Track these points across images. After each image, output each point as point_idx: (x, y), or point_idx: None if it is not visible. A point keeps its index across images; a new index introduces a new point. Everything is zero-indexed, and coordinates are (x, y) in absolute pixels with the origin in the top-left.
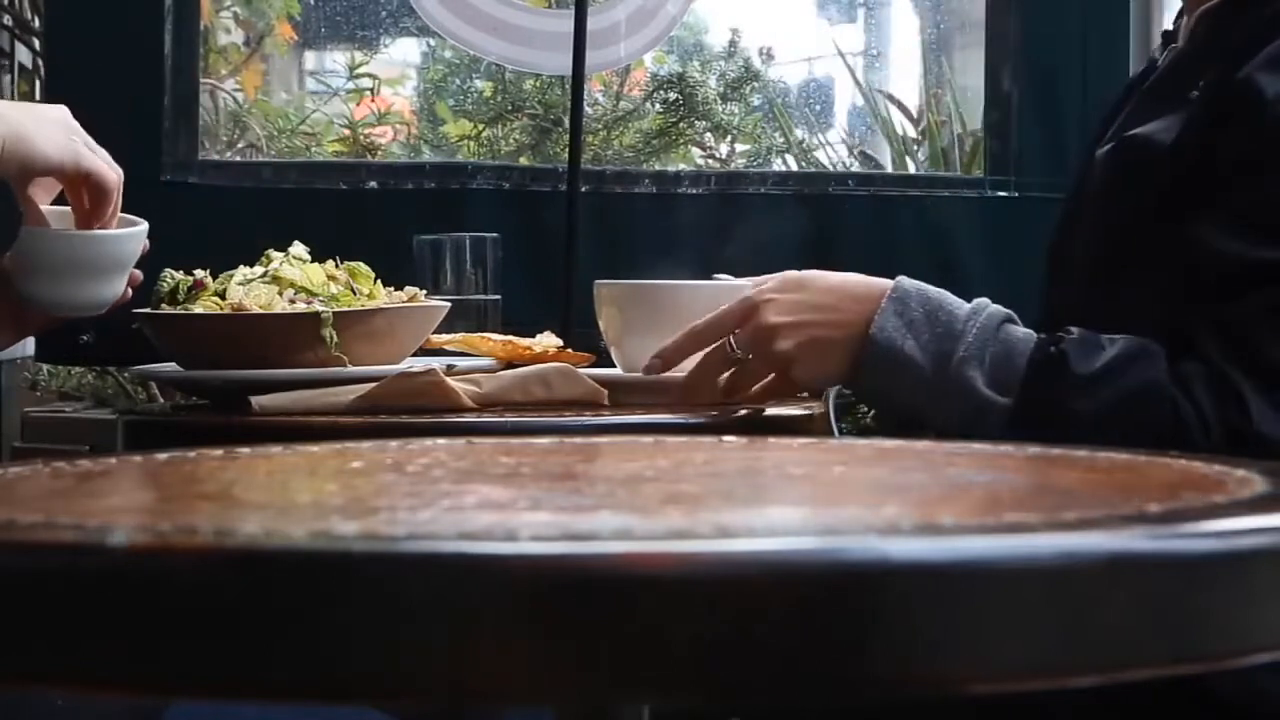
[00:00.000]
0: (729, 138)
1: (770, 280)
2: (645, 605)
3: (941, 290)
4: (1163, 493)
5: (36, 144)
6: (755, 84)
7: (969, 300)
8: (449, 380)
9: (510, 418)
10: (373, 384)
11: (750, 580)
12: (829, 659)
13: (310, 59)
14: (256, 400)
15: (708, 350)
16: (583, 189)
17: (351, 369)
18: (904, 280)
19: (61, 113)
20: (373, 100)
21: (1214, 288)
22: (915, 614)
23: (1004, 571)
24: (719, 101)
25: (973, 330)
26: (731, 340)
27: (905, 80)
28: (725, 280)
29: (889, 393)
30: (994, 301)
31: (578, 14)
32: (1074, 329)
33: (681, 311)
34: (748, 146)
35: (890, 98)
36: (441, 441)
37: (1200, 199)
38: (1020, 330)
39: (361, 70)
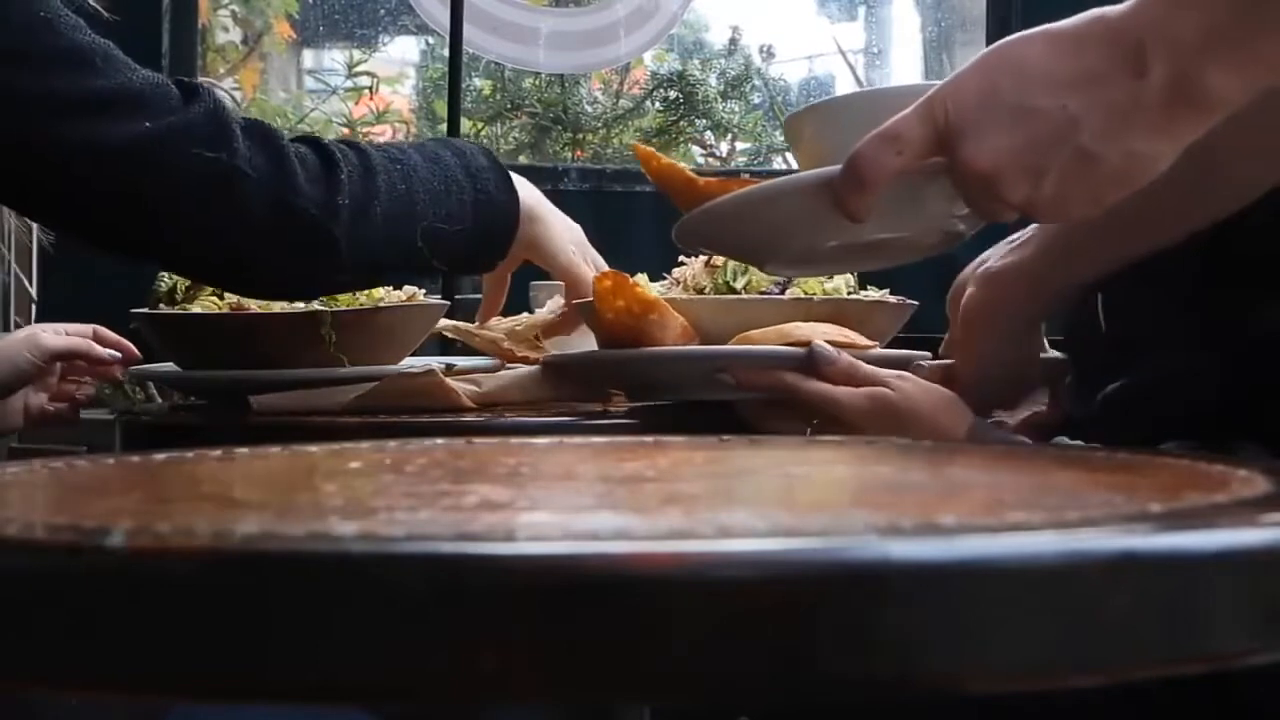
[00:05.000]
0: (729, 136)
1: (864, 399)
2: (645, 605)
3: (1016, 436)
4: (1165, 492)
5: (553, 239)
6: (755, 82)
7: None
8: (448, 380)
9: (510, 418)
10: (372, 384)
11: (750, 580)
12: (829, 659)
13: (308, 57)
14: (255, 400)
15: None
16: (583, 187)
17: (351, 369)
18: (981, 422)
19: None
20: (371, 98)
21: (1242, 352)
22: (916, 614)
23: (1005, 572)
24: (719, 99)
25: None
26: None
27: (906, 77)
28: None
29: None
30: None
31: None
32: (1166, 447)
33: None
34: (748, 144)
35: None
36: (441, 441)
37: (1225, 261)
38: None
39: (360, 69)
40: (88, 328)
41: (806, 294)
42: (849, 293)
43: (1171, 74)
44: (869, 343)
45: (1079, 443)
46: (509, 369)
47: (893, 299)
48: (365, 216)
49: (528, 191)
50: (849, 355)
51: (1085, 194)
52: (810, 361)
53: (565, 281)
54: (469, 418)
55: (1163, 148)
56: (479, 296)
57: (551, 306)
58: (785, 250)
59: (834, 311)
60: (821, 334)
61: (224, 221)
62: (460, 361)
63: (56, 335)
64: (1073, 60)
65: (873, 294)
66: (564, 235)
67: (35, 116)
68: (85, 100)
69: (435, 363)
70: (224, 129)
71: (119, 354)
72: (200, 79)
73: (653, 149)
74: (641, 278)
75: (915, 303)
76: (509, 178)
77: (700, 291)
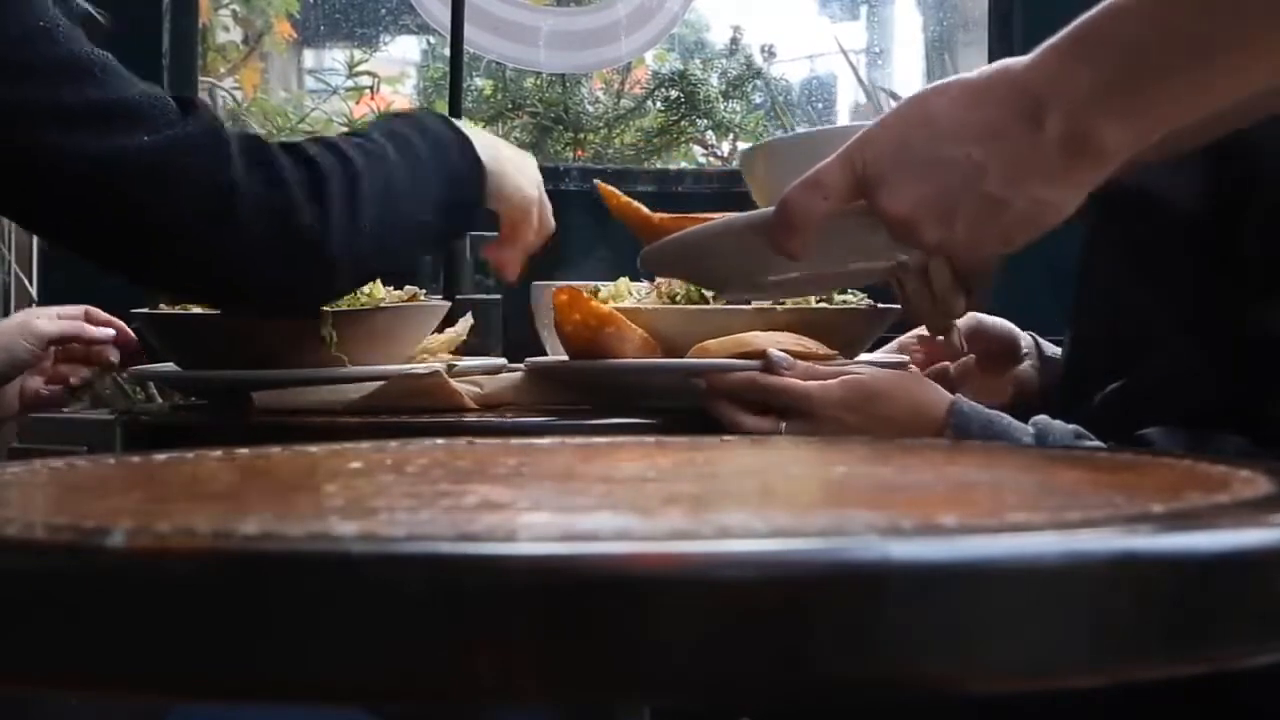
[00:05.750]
0: (731, 136)
1: (836, 386)
2: (646, 605)
3: (998, 413)
4: (1166, 493)
5: (505, 187)
6: (757, 81)
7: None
8: (451, 381)
9: (510, 418)
10: (375, 382)
11: (751, 580)
12: (829, 659)
13: (309, 57)
14: (258, 397)
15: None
16: (584, 187)
17: (351, 369)
18: (960, 403)
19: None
20: (372, 98)
21: (1243, 355)
22: (917, 614)
23: (1006, 572)
24: (720, 99)
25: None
26: (783, 430)
27: (908, 78)
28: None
29: None
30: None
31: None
32: (1150, 433)
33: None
34: (749, 144)
35: (893, 95)
36: (441, 442)
37: (1226, 266)
38: (1095, 445)
39: (361, 68)
40: (80, 309)
41: (773, 304)
42: (816, 301)
43: (1066, 126)
44: (829, 352)
45: (1059, 423)
46: (510, 370)
47: (863, 305)
48: (355, 228)
49: (484, 143)
50: (806, 363)
51: (995, 236)
52: (768, 370)
53: (505, 224)
54: (470, 418)
55: (1064, 194)
56: (479, 297)
57: (460, 329)
58: (736, 281)
59: (799, 320)
60: (777, 343)
61: (219, 236)
62: (462, 362)
63: (50, 320)
64: (977, 113)
65: (852, 300)
66: (517, 179)
67: (35, 127)
68: (85, 111)
69: (437, 364)
70: (220, 145)
71: (112, 331)
72: (200, 79)
73: (613, 188)
74: (623, 281)
75: (894, 307)
76: (469, 144)
77: (673, 299)
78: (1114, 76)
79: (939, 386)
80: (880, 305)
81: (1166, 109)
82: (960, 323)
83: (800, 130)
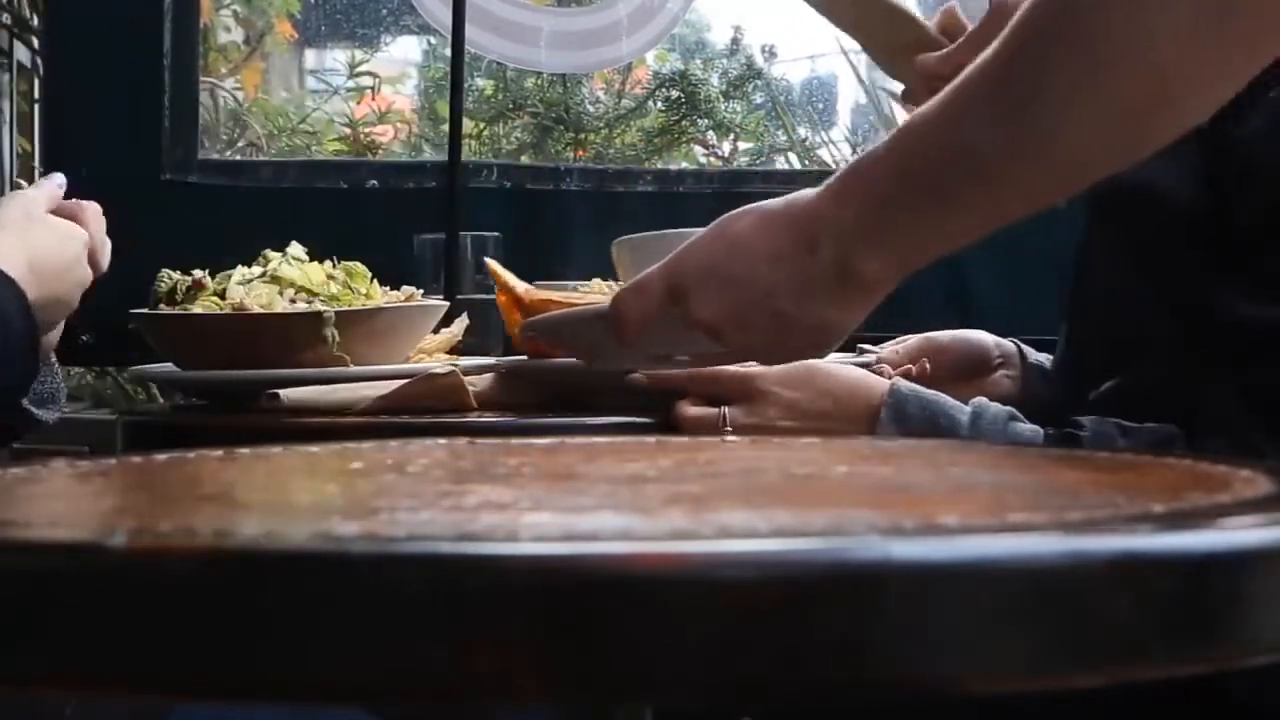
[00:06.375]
0: (731, 136)
1: (775, 370)
2: (646, 605)
3: (937, 393)
4: (1167, 493)
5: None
6: (757, 82)
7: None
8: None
9: (510, 418)
10: (392, 382)
11: (752, 580)
12: (830, 659)
13: (310, 57)
14: (283, 393)
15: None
16: (584, 187)
17: (352, 368)
18: (899, 384)
19: (69, 257)
20: (373, 99)
21: (1240, 353)
22: (918, 614)
23: (1006, 571)
24: (721, 99)
25: (978, 427)
26: (725, 414)
27: None
28: None
29: None
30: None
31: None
32: (1085, 420)
33: None
34: (750, 145)
35: (894, 96)
36: (442, 441)
37: (1223, 263)
38: (1027, 428)
39: (362, 69)
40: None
41: None
42: None
43: (835, 256)
44: None
45: (995, 404)
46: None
47: None
48: None
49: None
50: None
51: (789, 347)
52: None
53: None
54: (471, 417)
55: (842, 315)
56: (478, 297)
57: (456, 329)
58: (602, 356)
59: None
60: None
61: None
62: (463, 362)
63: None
64: (769, 239)
65: None
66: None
67: None
68: None
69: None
70: None
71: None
72: (201, 80)
73: (498, 265)
74: (596, 281)
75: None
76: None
77: None
78: (868, 215)
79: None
80: None
81: (917, 244)
82: (910, 343)
83: (654, 233)
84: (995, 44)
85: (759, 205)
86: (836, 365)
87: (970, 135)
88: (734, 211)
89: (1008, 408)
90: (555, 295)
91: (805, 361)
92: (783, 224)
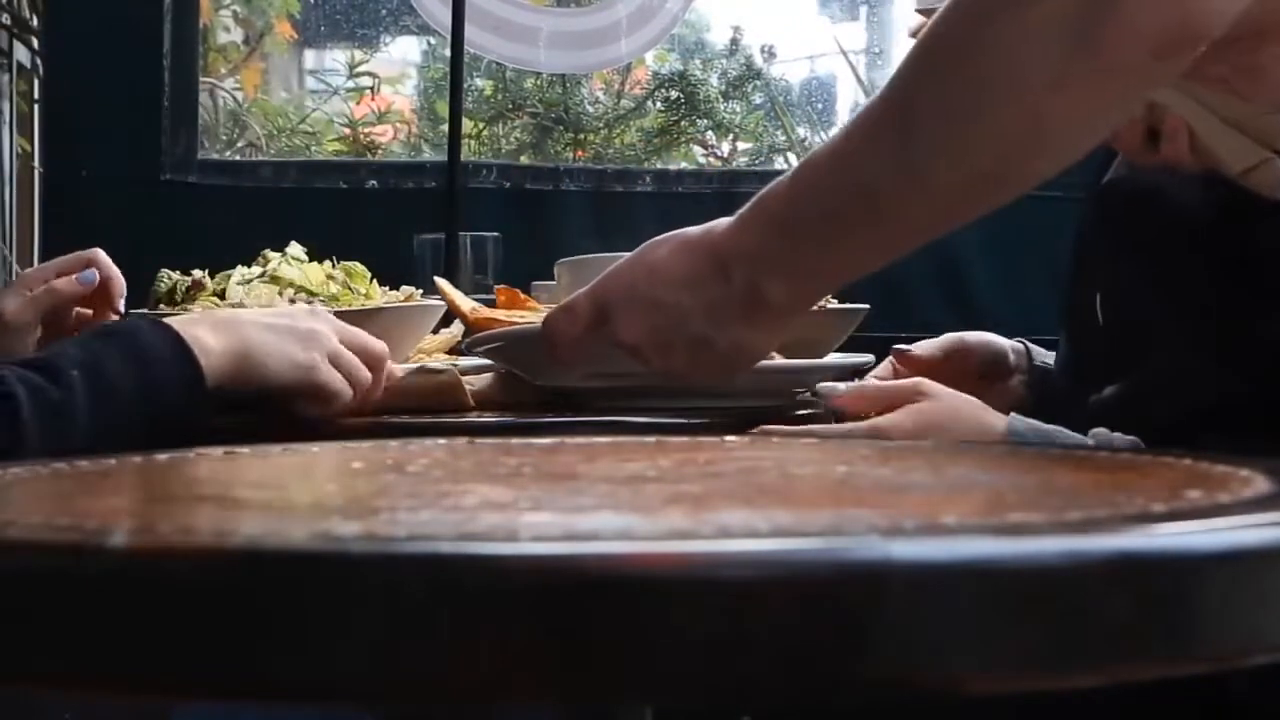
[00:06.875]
0: (731, 136)
1: (903, 418)
2: (646, 605)
3: (1054, 426)
4: (1166, 492)
5: (268, 364)
6: (757, 82)
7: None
8: (464, 380)
9: (510, 418)
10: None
11: (752, 580)
12: (830, 659)
13: (310, 58)
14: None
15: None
16: (584, 187)
17: None
18: (1015, 421)
19: (311, 321)
20: (373, 99)
21: (1266, 368)
22: (917, 614)
23: (1006, 571)
24: (720, 100)
25: None
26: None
27: None
28: None
29: None
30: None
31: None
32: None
33: None
34: (750, 145)
35: None
36: (442, 441)
37: (1235, 272)
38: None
39: (361, 69)
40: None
41: None
42: None
43: (745, 282)
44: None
45: (1119, 435)
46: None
47: (833, 305)
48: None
49: (221, 329)
50: (847, 385)
51: (709, 368)
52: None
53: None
54: (470, 417)
55: (756, 337)
56: (479, 297)
57: (455, 330)
58: (539, 375)
59: None
60: None
61: None
62: (463, 362)
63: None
64: (686, 265)
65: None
66: (283, 351)
67: None
68: None
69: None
70: None
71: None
72: (201, 80)
73: (446, 283)
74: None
75: (861, 307)
76: (179, 344)
77: None
78: (772, 244)
79: (989, 407)
80: (845, 306)
81: (820, 271)
82: (941, 341)
83: (593, 256)
84: (889, 80)
85: (681, 232)
86: (954, 407)
87: (860, 169)
88: (657, 238)
89: (1131, 437)
90: (499, 314)
91: (921, 408)
92: (700, 251)
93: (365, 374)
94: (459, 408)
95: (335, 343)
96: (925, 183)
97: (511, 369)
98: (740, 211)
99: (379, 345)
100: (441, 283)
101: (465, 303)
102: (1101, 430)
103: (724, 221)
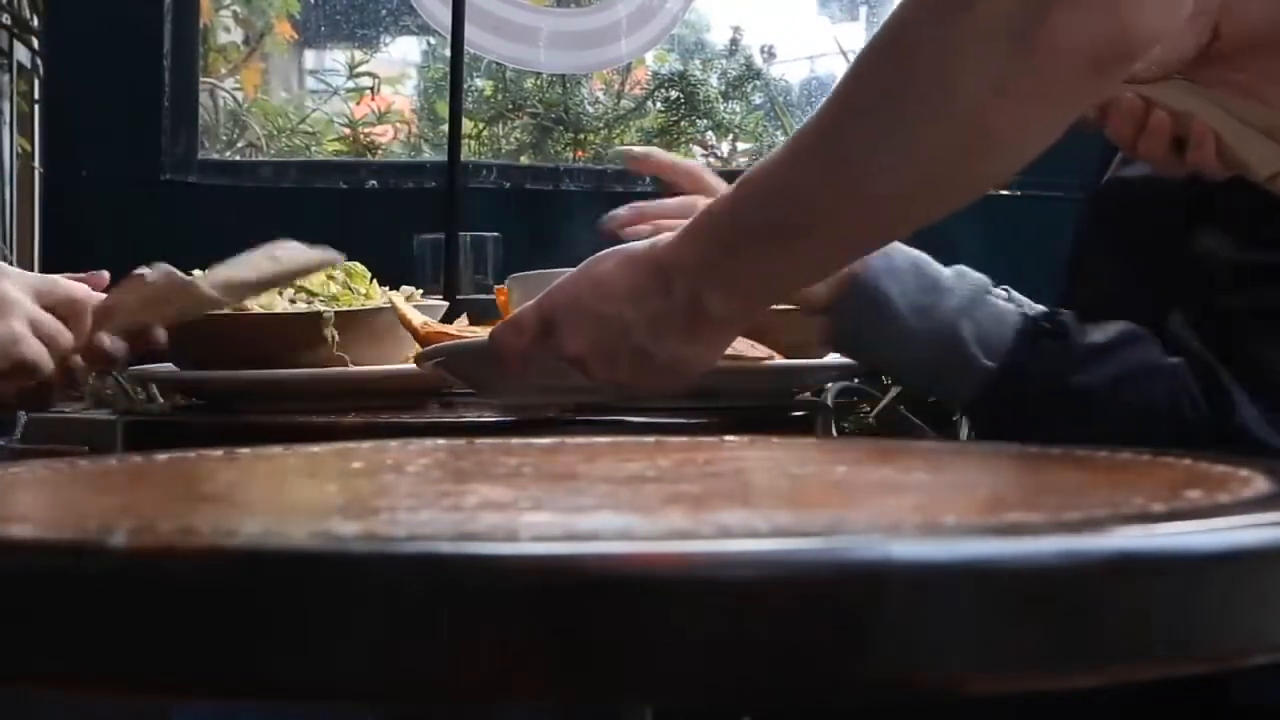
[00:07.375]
0: (731, 136)
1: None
2: (646, 605)
3: (920, 251)
4: (1166, 492)
5: None
6: (757, 82)
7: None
8: (401, 308)
9: (510, 418)
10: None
11: (751, 580)
12: (829, 659)
13: (310, 58)
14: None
15: None
16: (584, 187)
17: (352, 369)
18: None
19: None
20: (373, 99)
21: (1200, 286)
22: (917, 614)
23: (1006, 571)
24: (720, 100)
25: (963, 288)
26: None
27: None
28: None
29: (866, 335)
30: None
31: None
32: (1064, 310)
33: None
34: (749, 145)
35: None
36: (442, 442)
37: (1199, 215)
38: (1003, 300)
39: (361, 69)
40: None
41: None
42: None
43: (685, 294)
44: (766, 353)
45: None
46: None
47: None
48: None
49: None
50: None
51: (651, 380)
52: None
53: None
54: (470, 417)
55: (698, 351)
56: (479, 297)
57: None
58: (488, 389)
59: None
60: None
61: None
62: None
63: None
64: (629, 278)
65: None
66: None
67: None
68: None
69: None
70: None
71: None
72: (201, 80)
73: (401, 299)
74: None
75: None
76: None
77: None
78: (713, 258)
79: None
80: None
81: (760, 285)
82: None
83: (542, 271)
84: (829, 95)
85: (626, 246)
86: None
87: (797, 183)
88: (603, 251)
89: (985, 276)
90: (450, 329)
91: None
92: (643, 264)
93: (66, 336)
94: (200, 307)
95: (31, 306)
96: (859, 196)
97: (463, 382)
98: (684, 225)
99: (79, 289)
100: (394, 296)
101: (416, 317)
102: (963, 267)
103: (668, 235)
